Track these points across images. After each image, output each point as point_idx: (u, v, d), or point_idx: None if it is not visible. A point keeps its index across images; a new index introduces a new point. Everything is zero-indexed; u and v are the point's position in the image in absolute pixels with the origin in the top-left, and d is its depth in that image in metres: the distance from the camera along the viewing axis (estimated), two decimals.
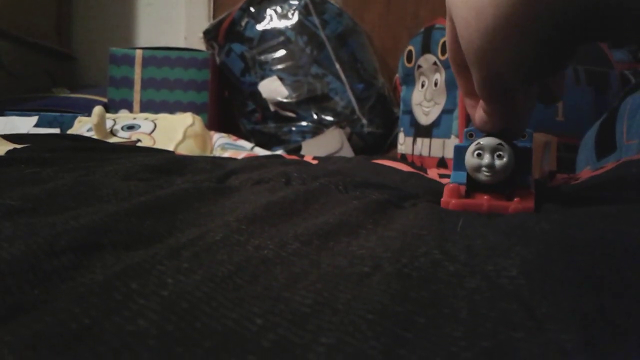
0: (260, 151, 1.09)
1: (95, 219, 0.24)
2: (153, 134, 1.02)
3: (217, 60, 1.60)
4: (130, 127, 1.04)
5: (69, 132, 1.05)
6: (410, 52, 1.13)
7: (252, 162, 0.57)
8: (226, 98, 1.67)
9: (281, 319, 0.16)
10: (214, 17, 1.95)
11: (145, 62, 1.46)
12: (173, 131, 1.03)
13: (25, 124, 1.20)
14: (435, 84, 1.05)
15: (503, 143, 0.36)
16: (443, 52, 1.03)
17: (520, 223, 0.26)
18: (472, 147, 0.36)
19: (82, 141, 0.72)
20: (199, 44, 1.72)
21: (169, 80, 1.46)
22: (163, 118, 1.09)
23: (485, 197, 0.37)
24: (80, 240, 0.22)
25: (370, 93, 1.52)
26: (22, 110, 1.33)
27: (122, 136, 1.00)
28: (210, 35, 1.63)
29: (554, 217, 0.27)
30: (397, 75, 1.24)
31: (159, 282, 0.18)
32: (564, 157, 0.99)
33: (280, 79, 1.51)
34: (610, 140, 0.81)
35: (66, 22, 1.96)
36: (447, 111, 1.02)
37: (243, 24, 1.56)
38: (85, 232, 0.23)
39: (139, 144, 0.96)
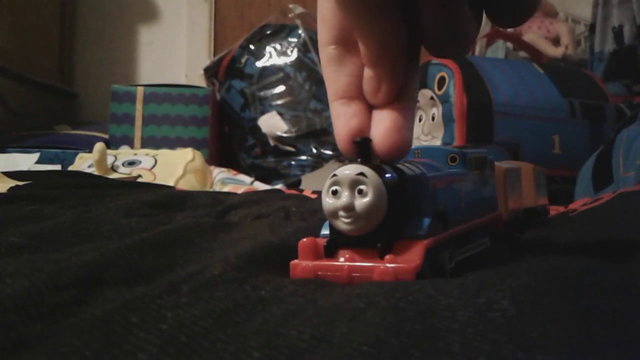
0: (260, 185, 1.09)
1: (96, 255, 0.25)
2: (154, 170, 1.03)
3: (218, 96, 1.62)
4: (131, 163, 1.05)
5: (70, 168, 1.06)
6: None
7: (251, 197, 0.58)
8: (226, 133, 1.69)
9: (278, 353, 0.16)
10: (214, 54, 1.98)
11: (147, 99, 1.48)
12: (173, 166, 1.04)
13: (26, 161, 1.21)
14: (433, 118, 1.07)
15: (366, 172, 0.25)
16: (439, 87, 1.04)
17: (508, 259, 0.27)
18: (328, 182, 0.25)
19: (83, 177, 0.72)
20: (199, 80, 1.75)
21: (170, 116, 1.48)
22: (164, 153, 1.10)
23: (347, 255, 0.26)
24: (82, 276, 0.22)
25: None
26: (24, 147, 1.34)
27: (123, 172, 1.01)
28: (210, 72, 1.66)
29: (540, 251, 0.27)
30: None
31: (158, 316, 0.18)
32: (561, 189, 1.00)
33: (280, 114, 1.53)
34: (607, 173, 0.81)
35: (68, 60, 1.99)
36: (445, 145, 1.03)
37: (243, 61, 1.59)
38: (87, 268, 0.23)
39: (139, 180, 0.97)
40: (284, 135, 1.51)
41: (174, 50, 2.05)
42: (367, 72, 0.26)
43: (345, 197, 0.25)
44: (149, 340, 0.17)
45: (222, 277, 0.23)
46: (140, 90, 1.48)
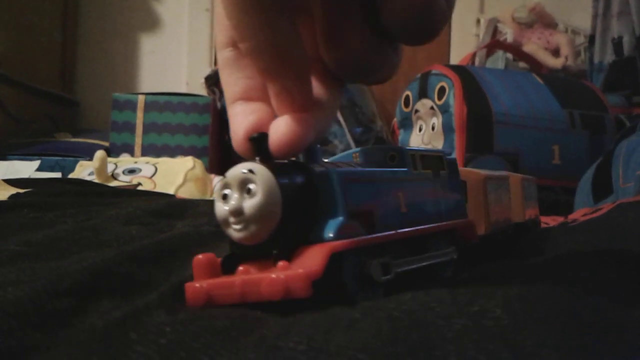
0: None
1: (96, 262, 0.25)
2: (154, 178, 1.03)
3: (218, 105, 1.62)
4: (131, 171, 1.05)
5: (71, 176, 1.06)
6: (407, 97, 1.15)
7: None
8: (226, 142, 1.69)
9: None
10: (215, 63, 1.98)
11: (148, 107, 1.48)
12: (174, 175, 1.04)
13: (27, 168, 1.21)
14: (433, 128, 1.07)
15: (255, 169, 0.21)
16: (439, 97, 1.05)
17: (501, 268, 0.27)
18: (219, 185, 0.22)
19: (83, 185, 0.73)
20: (200, 89, 1.75)
21: (171, 124, 1.48)
22: (164, 162, 1.10)
23: (243, 269, 0.22)
24: (81, 283, 0.22)
25: (369, 136, 1.53)
26: (25, 154, 1.35)
27: (123, 180, 1.01)
28: (211, 80, 1.66)
29: (535, 260, 0.27)
30: (395, 119, 1.26)
31: (157, 331, 0.19)
32: (561, 200, 1.00)
33: None
34: (606, 184, 0.81)
35: (70, 68, 2.00)
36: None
37: None
38: (87, 276, 0.23)
39: (139, 188, 0.97)
40: None
41: (175, 58, 2.05)
42: (269, 88, 0.23)
43: (234, 199, 0.21)
44: (148, 355, 0.17)
45: None
46: (141, 99, 1.48)
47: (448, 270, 0.28)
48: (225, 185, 0.22)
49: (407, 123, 1.16)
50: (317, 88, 0.24)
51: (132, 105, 1.48)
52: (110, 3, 2.06)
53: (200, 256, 0.23)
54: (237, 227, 0.21)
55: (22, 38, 1.68)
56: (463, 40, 2.04)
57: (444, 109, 1.04)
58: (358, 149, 0.29)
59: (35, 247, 0.30)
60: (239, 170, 0.22)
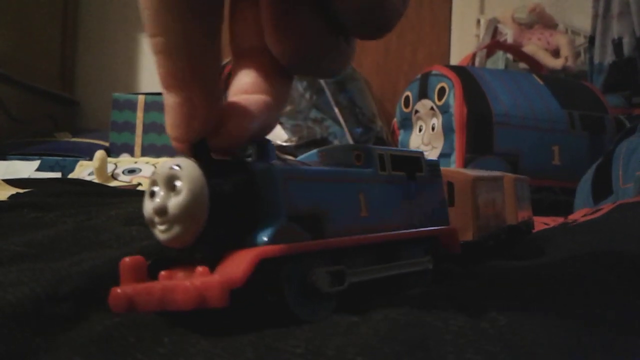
0: None
1: (97, 265, 0.25)
2: None
3: None
4: (131, 171, 1.05)
5: (71, 176, 1.06)
6: (407, 97, 1.15)
7: None
8: None
9: None
10: None
11: (148, 107, 1.48)
12: None
13: (27, 168, 1.21)
14: (433, 129, 1.07)
15: (182, 163, 0.20)
16: (439, 97, 1.05)
17: (494, 268, 0.27)
18: (149, 180, 0.21)
19: (83, 185, 0.73)
20: None
21: None
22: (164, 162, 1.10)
23: (164, 273, 0.20)
24: (81, 286, 0.22)
25: (369, 137, 1.53)
26: (24, 154, 1.35)
27: (123, 180, 1.01)
28: None
29: (533, 261, 0.27)
30: (395, 119, 1.26)
31: (155, 336, 0.19)
32: (561, 200, 1.00)
33: (280, 123, 1.53)
34: (606, 184, 0.82)
35: (70, 68, 1.99)
36: (444, 155, 1.03)
37: None
38: (87, 279, 0.23)
39: (139, 188, 0.97)
40: (285, 144, 1.51)
41: None
42: (167, 99, 0.20)
43: (159, 197, 0.20)
44: None
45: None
46: (141, 99, 1.48)
47: (424, 281, 0.26)
48: (153, 182, 0.20)
49: (407, 123, 1.16)
50: (262, 81, 0.23)
51: (132, 105, 1.48)
52: (110, 3, 2.06)
53: (126, 259, 0.21)
54: (162, 227, 0.20)
55: (22, 38, 1.68)
56: (463, 40, 2.04)
57: (444, 110, 1.04)
58: (323, 148, 0.27)
59: (35, 248, 0.30)
60: (167, 165, 0.20)
